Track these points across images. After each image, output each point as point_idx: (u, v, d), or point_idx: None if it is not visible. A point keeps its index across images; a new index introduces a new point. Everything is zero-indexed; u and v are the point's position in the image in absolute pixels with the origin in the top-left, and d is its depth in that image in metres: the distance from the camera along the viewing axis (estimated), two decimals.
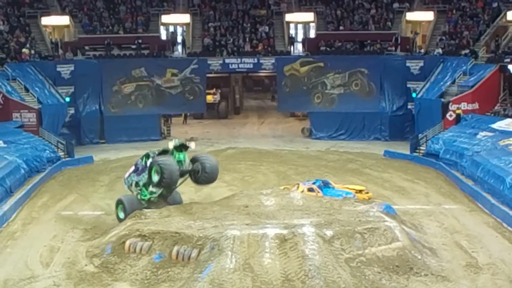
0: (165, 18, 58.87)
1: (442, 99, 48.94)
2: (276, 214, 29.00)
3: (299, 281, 23.47)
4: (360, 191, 35.39)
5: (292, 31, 60.70)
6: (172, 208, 31.15)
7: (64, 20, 57.43)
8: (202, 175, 30.93)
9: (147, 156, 30.97)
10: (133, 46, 56.31)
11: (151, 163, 30.12)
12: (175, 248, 25.61)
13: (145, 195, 31.07)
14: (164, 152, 30.57)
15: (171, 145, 30.52)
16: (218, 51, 56.12)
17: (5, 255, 28.15)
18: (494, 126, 43.68)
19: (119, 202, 31.13)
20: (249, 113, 68.20)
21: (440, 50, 54.00)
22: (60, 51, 55.19)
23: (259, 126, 61.43)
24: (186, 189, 38.56)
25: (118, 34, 57.28)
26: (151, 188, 30.66)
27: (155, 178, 29.79)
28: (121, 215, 30.67)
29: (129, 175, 31.82)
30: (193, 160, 31.07)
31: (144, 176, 30.68)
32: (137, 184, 31.33)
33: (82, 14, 58.37)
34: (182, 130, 58.46)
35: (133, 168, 31.75)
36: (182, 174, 30.63)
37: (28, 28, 56.09)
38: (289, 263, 24.16)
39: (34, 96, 49.00)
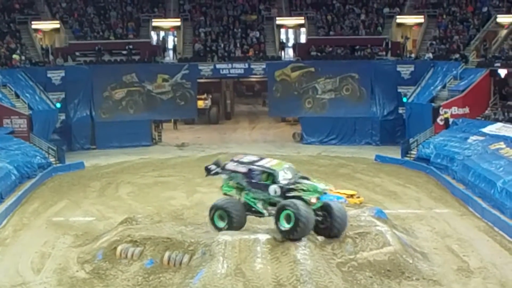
0: (155, 24, 58.79)
1: (433, 104, 49.04)
2: (267, 219, 28.99)
3: (290, 286, 23.51)
4: (352, 195, 35.35)
5: (283, 36, 60.74)
6: (163, 214, 31.19)
7: (54, 26, 57.31)
8: (331, 228, 26.00)
9: (271, 175, 26.22)
10: (124, 52, 56.22)
11: (284, 204, 25.10)
12: (167, 253, 25.63)
13: (247, 199, 27.06)
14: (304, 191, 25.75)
15: (321, 188, 26.03)
16: (209, 57, 56.10)
17: None
18: (485, 130, 43.77)
19: (218, 208, 26.96)
20: (240, 118, 68.17)
21: (430, 55, 54.13)
22: (51, 57, 55.15)
23: (250, 131, 61.41)
24: (178, 194, 38.79)
25: (108, 40, 57.12)
26: (260, 204, 26.75)
27: (284, 224, 24.97)
28: (220, 224, 26.78)
29: (235, 173, 27.22)
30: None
31: (257, 193, 26.55)
32: (241, 187, 27.20)
33: (72, 20, 58.21)
34: (173, 136, 58.44)
35: (244, 169, 26.96)
36: None
37: (19, 34, 55.95)
38: (281, 268, 24.19)
39: (25, 102, 48.87)
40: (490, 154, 39.43)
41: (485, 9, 55.34)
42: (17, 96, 49.20)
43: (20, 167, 41.30)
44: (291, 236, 24.94)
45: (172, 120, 61.97)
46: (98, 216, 34.77)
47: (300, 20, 59.14)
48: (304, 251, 24.90)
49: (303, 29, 59.95)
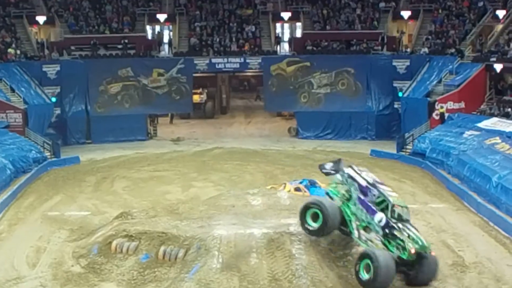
0: (151, 18, 58.70)
1: (429, 98, 49.04)
2: (263, 213, 29.01)
3: (286, 281, 23.52)
4: None
5: (278, 31, 60.71)
6: (158, 209, 31.16)
7: (49, 20, 57.14)
8: (415, 277, 23.78)
9: (386, 204, 24.13)
10: (119, 46, 56.06)
11: (365, 253, 23.25)
12: (162, 248, 25.63)
13: (345, 211, 24.98)
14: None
15: (426, 244, 23.50)
16: (205, 51, 56.02)
17: None
18: (480, 125, 43.79)
19: (312, 206, 25.00)
20: (236, 112, 68.17)
21: (426, 50, 54.07)
22: (46, 51, 54.95)
23: (245, 126, 61.40)
24: (173, 189, 38.77)
25: (104, 34, 57.01)
26: (354, 224, 24.64)
27: (364, 275, 23.00)
28: (312, 224, 24.94)
29: (352, 180, 25.35)
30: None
31: (360, 211, 24.52)
32: (346, 197, 25.36)
33: (68, 14, 58.05)
34: (169, 130, 58.39)
35: (363, 182, 24.98)
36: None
37: (14, 28, 55.77)
38: (276, 262, 24.20)
39: (20, 97, 48.66)
40: (485, 149, 39.45)
41: (481, 4, 55.17)
42: (12, 90, 48.96)
43: (15, 161, 41.24)
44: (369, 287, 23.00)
45: (169, 115, 61.97)
46: (93, 211, 34.71)
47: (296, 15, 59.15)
48: (299, 246, 24.92)
49: (298, 24, 59.93)
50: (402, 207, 24.25)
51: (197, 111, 61.92)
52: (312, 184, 35.06)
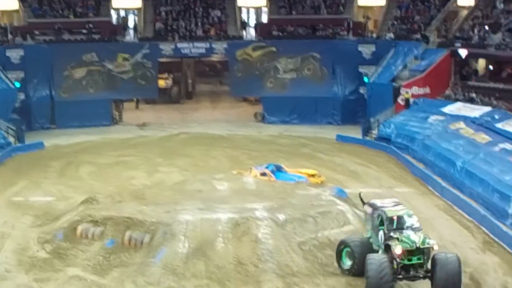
0: (116, 3, 58.26)
1: (394, 84, 49.27)
2: (229, 198, 29.09)
3: (252, 265, 23.60)
4: (313, 175, 35.42)
5: (244, 16, 60.54)
6: (124, 194, 31.07)
7: (13, 4, 56.54)
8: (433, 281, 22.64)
9: (381, 219, 23.34)
10: (84, 31, 55.60)
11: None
12: (128, 233, 25.58)
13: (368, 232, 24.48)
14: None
15: (417, 241, 22.54)
16: (170, 36, 55.73)
17: None
18: (445, 110, 44.10)
19: (344, 245, 24.25)
20: (202, 98, 67.83)
21: (391, 35, 54.26)
22: (10, 36, 54.31)
23: (211, 111, 61.21)
24: (139, 174, 38.64)
25: (68, 18, 56.55)
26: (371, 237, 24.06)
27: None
28: (347, 262, 24.12)
29: (365, 214, 25.00)
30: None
31: (375, 238, 23.66)
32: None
33: None
34: (134, 116, 57.94)
35: (370, 210, 24.30)
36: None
37: None
38: (242, 247, 24.29)
39: None
40: (450, 133, 39.76)
41: None
42: None
43: None
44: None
45: (135, 100, 61.59)
46: (58, 196, 34.50)
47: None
48: (265, 231, 25.02)
49: (264, 9, 59.82)
50: (402, 216, 23.29)
51: (162, 96, 61.52)
52: (278, 169, 35.20)
